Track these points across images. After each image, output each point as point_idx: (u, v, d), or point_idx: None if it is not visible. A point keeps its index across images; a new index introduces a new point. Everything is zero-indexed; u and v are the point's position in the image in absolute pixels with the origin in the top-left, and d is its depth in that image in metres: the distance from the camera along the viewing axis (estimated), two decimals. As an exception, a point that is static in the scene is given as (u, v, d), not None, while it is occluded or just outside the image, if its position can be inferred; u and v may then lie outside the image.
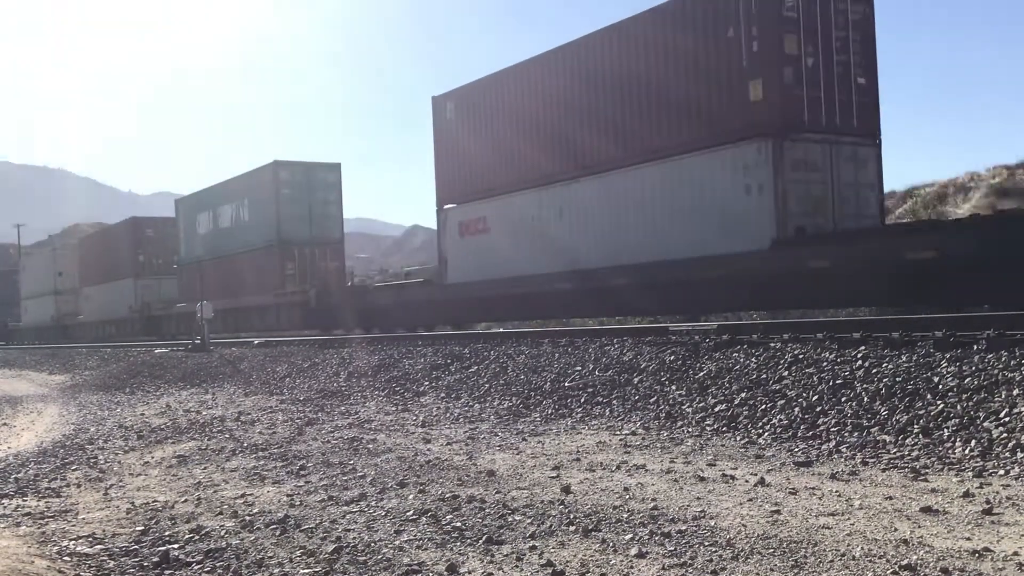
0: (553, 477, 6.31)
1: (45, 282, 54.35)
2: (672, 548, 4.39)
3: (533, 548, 4.54)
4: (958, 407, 6.69)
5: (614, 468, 6.51)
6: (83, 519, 5.93)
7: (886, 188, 18.98)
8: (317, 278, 30.25)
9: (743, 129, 15.25)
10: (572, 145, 18.94)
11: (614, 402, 9.41)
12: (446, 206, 22.94)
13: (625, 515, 5.07)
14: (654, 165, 16.96)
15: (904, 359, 7.87)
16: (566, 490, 5.76)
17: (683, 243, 16.14)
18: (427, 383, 12.48)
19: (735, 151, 15.44)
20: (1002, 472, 5.58)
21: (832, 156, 15.36)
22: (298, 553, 4.71)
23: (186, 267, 37.35)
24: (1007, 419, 6.28)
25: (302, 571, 4.42)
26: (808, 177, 15.14)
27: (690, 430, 7.99)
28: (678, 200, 16.49)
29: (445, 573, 4.25)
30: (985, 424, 6.33)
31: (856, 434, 6.89)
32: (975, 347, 7.69)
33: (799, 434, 7.21)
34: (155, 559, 4.76)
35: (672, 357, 10.09)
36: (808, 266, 13.96)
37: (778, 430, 7.41)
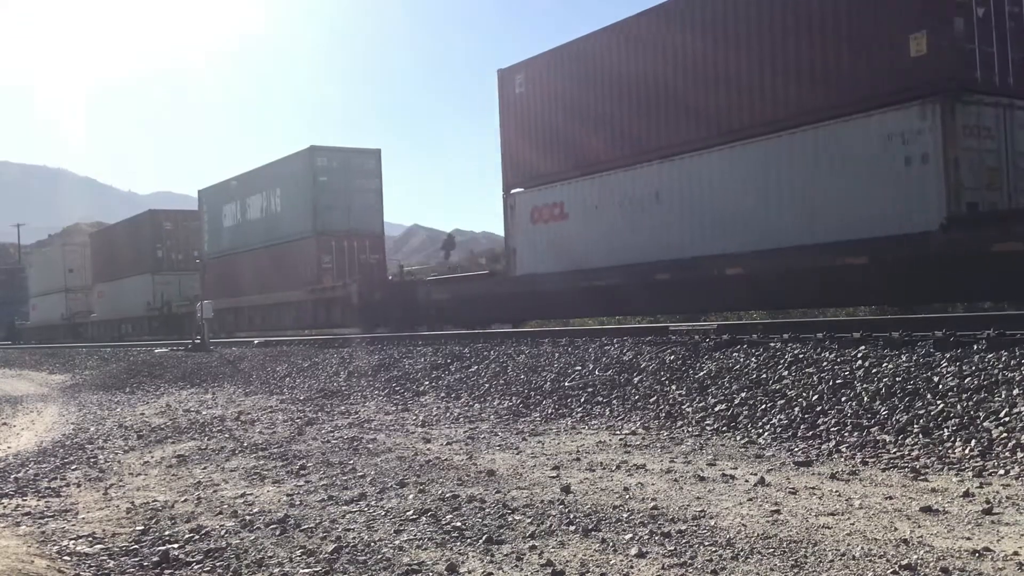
0: (553, 477, 6.31)
1: (54, 279, 52.10)
2: (672, 548, 4.39)
3: (533, 548, 4.54)
4: (958, 407, 6.69)
5: (614, 468, 6.51)
6: (83, 519, 5.93)
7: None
8: (359, 272, 27.97)
9: (899, 91, 13.24)
10: (687, 113, 16.43)
11: (614, 402, 9.41)
12: (514, 190, 20.66)
13: (625, 515, 5.07)
14: (791, 134, 14.73)
15: (904, 359, 7.87)
16: (566, 490, 5.76)
17: (826, 222, 14.07)
18: (427, 383, 12.48)
19: (890, 116, 13.34)
20: (1002, 472, 5.58)
21: (1007, 121, 13.40)
22: (298, 553, 4.71)
23: (211, 262, 35.51)
24: (1007, 419, 6.27)
25: (302, 571, 4.41)
26: (981, 145, 13.08)
27: (690, 430, 7.99)
28: (814, 175, 14.38)
29: (445, 573, 4.25)
30: (985, 424, 6.33)
31: (856, 434, 6.89)
32: (975, 347, 7.68)
33: (799, 434, 7.21)
34: (155, 559, 4.76)
35: (672, 357, 10.09)
36: (992, 250, 11.89)
37: (778, 430, 7.41)
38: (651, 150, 17.16)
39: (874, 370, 7.88)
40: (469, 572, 4.25)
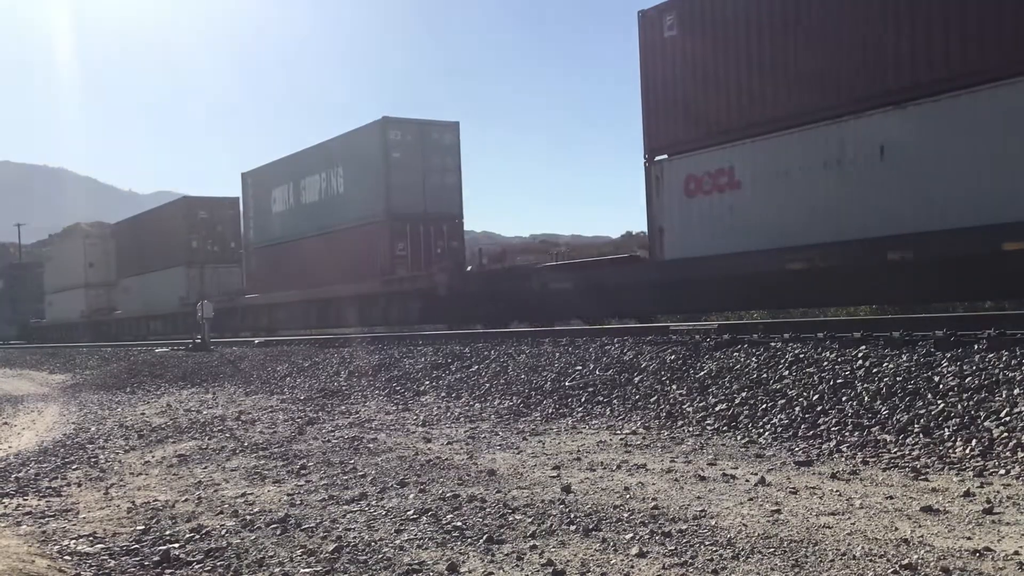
0: (554, 476, 6.31)
1: (73, 274, 48.32)
2: (672, 547, 4.39)
3: (534, 547, 4.54)
4: (959, 406, 6.69)
5: (615, 467, 6.51)
6: (84, 518, 5.93)
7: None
8: (447, 258, 24.48)
9: None
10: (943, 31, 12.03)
11: (615, 401, 9.41)
12: (658, 157, 16.47)
13: (626, 514, 5.07)
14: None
15: (905, 358, 7.87)
16: (566, 489, 5.76)
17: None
18: (428, 382, 12.48)
19: None
20: (1003, 471, 5.58)
21: None
22: (299, 552, 4.71)
23: (257, 252, 31.78)
24: (1008, 418, 6.27)
25: (303, 570, 4.42)
26: None
27: (691, 429, 7.99)
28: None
29: (445, 572, 4.25)
30: (986, 423, 6.33)
31: (857, 433, 6.89)
32: (976, 346, 7.68)
33: (800, 433, 7.21)
34: (156, 558, 4.76)
35: (673, 356, 10.09)
36: None
37: (779, 429, 7.41)
38: (835, 104, 13.38)
39: (875, 370, 7.87)
40: (470, 572, 4.25)
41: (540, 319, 19.13)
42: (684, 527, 4.72)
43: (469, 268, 23.06)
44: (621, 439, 7.81)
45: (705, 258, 15.23)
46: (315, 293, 27.54)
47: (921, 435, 6.51)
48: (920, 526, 4.52)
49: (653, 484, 5.86)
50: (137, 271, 41.27)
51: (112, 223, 47.44)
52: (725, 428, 7.81)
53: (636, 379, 9.82)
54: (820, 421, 7.32)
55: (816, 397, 7.77)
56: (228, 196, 37.22)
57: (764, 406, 7.98)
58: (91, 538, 5.32)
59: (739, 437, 7.46)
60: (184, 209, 37.12)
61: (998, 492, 5.12)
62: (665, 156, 16.42)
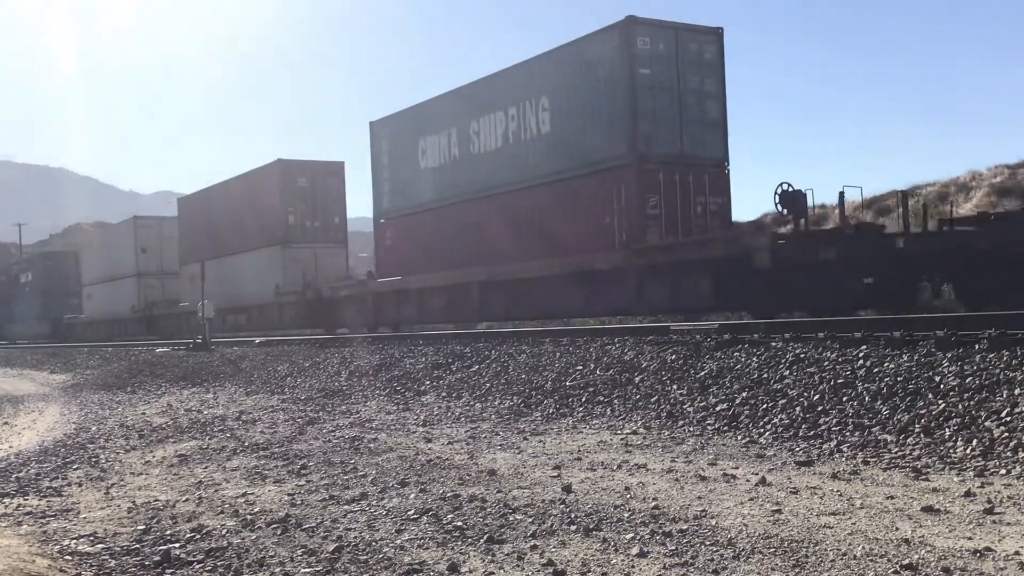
0: (554, 476, 6.31)
1: (122, 262, 40.74)
2: (673, 547, 4.39)
3: (534, 547, 4.54)
4: (959, 406, 6.69)
5: (615, 467, 6.51)
6: (84, 518, 5.93)
7: (885, 188, 16.86)
8: (722, 222, 17.61)
9: None
10: None
11: (615, 401, 9.41)
12: None
13: (626, 514, 5.07)
14: None
15: (905, 358, 7.86)
16: (567, 489, 5.76)
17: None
18: (428, 382, 12.48)
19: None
20: (1003, 471, 5.58)
21: None
22: (299, 552, 4.71)
23: (394, 223, 24.44)
24: (1008, 418, 6.27)
25: (303, 570, 4.42)
26: None
27: (691, 429, 7.98)
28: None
29: (446, 572, 4.25)
30: (986, 423, 6.33)
31: (857, 433, 6.89)
32: (976, 346, 7.68)
33: (800, 433, 7.21)
34: (156, 558, 4.76)
35: (673, 356, 10.09)
36: None
37: (779, 429, 7.41)
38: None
39: (875, 370, 7.87)
40: (470, 572, 4.25)
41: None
42: (685, 527, 4.72)
43: (789, 227, 15.89)
44: (622, 439, 7.80)
45: None
46: (501, 273, 19.77)
47: (922, 435, 6.51)
48: (921, 526, 4.52)
49: (654, 484, 5.86)
50: (210, 255, 32.53)
51: (203, 188, 36.41)
52: (726, 428, 7.81)
53: (637, 379, 9.82)
54: (821, 421, 7.32)
55: (817, 397, 7.77)
56: (329, 161, 30.12)
57: (765, 406, 7.98)
58: (92, 538, 5.32)
59: (740, 437, 7.46)
60: (279, 175, 29.02)
61: (999, 492, 5.12)
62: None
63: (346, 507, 5.73)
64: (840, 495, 5.26)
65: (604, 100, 17.53)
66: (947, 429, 6.47)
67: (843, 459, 6.33)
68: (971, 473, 5.62)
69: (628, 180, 17.13)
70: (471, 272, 20.44)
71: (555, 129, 18.79)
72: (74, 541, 5.24)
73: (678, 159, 17.29)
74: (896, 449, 6.39)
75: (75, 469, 8.14)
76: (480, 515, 5.26)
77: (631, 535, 4.66)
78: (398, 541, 4.81)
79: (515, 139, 19.89)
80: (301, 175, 29.26)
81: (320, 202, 29.36)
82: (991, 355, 7.35)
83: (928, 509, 4.81)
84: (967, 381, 7.01)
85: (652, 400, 9.10)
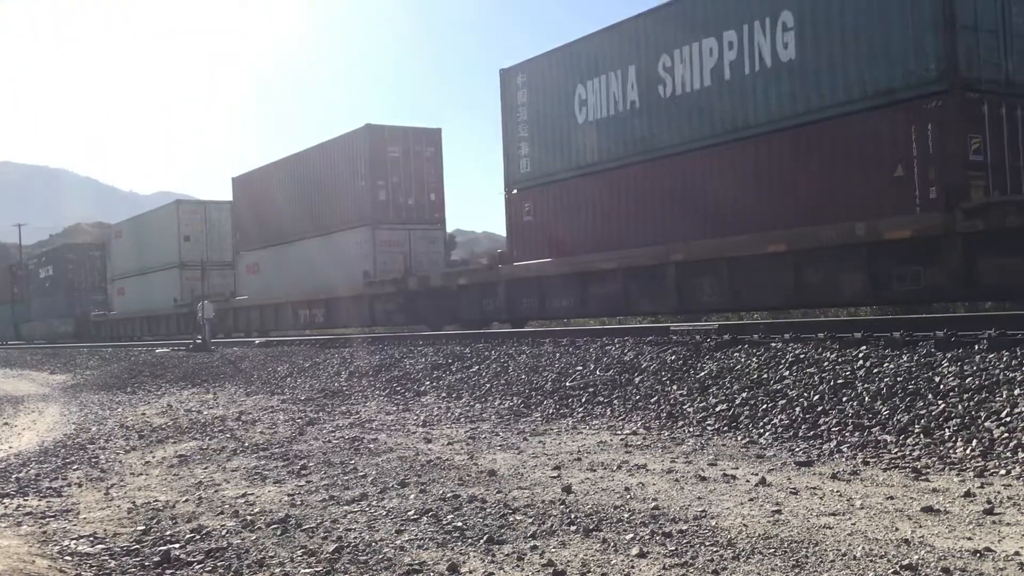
0: (554, 477, 6.32)
1: (162, 252, 36.59)
2: (673, 548, 4.39)
3: (534, 548, 4.55)
4: (959, 407, 6.69)
5: (615, 468, 6.51)
6: (84, 519, 5.93)
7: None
8: None
9: None
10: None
11: (615, 402, 9.41)
12: None
13: (626, 515, 5.07)
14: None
15: (905, 359, 7.87)
16: (567, 490, 5.76)
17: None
18: (428, 383, 12.48)
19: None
20: (1003, 472, 5.58)
21: None
22: (299, 553, 4.71)
23: (538, 191, 18.93)
24: (1008, 419, 6.27)
25: (303, 571, 4.42)
26: None
27: (691, 430, 7.98)
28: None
29: (446, 573, 4.25)
30: (986, 424, 6.33)
31: (857, 434, 6.89)
32: (976, 347, 7.68)
33: (800, 434, 7.21)
34: (156, 559, 4.76)
35: (673, 357, 10.09)
36: None
37: (779, 430, 7.41)
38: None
39: (875, 370, 7.87)
40: (470, 572, 4.25)
41: None
42: (685, 527, 4.72)
43: None
44: (621, 439, 7.81)
45: None
46: (710, 248, 14.85)
47: (922, 435, 6.51)
48: (921, 526, 4.52)
49: (654, 484, 5.86)
50: (274, 240, 28.92)
51: (251, 169, 32.26)
52: (726, 428, 7.81)
53: (636, 379, 9.82)
54: (821, 421, 7.32)
55: (817, 397, 7.77)
56: (424, 128, 25.72)
57: (765, 406, 7.98)
58: (92, 538, 5.32)
59: (740, 437, 7.46)
60: (368, 143, 24.64)
61: (999, 492, 5.12)
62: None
63: (346, 507, 5.73)
64: (840, 495, 5.26)
65: (894, 6, 12.67)
66: (947, 429, 6.47)
67: (843, 459, 6.33)
68: (971, 473, 5.62)
69: (940, 115, 12.23)
70: (662, 251, 15.61)
71: (804, 55, 13.85)
72: (74, 542, 5.24)
73: (1006, 87, 12.66)
74: (896, 449, 6.39)
75: (75, 470, 8.14)
76: (480, 516, 5.26)
77: (631, 535, 4.66)
78: (398, 541, 4.82)
79: (734, 73, 14.87)
80: (393, 143, 24.85)
81: (415, 176, 25.12)
82: (991, 355, 7.35)
83: (928, 509, 4.82)
84: (967, 381, 7.02)
85: (652, 401, 9.10)
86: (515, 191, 19.77)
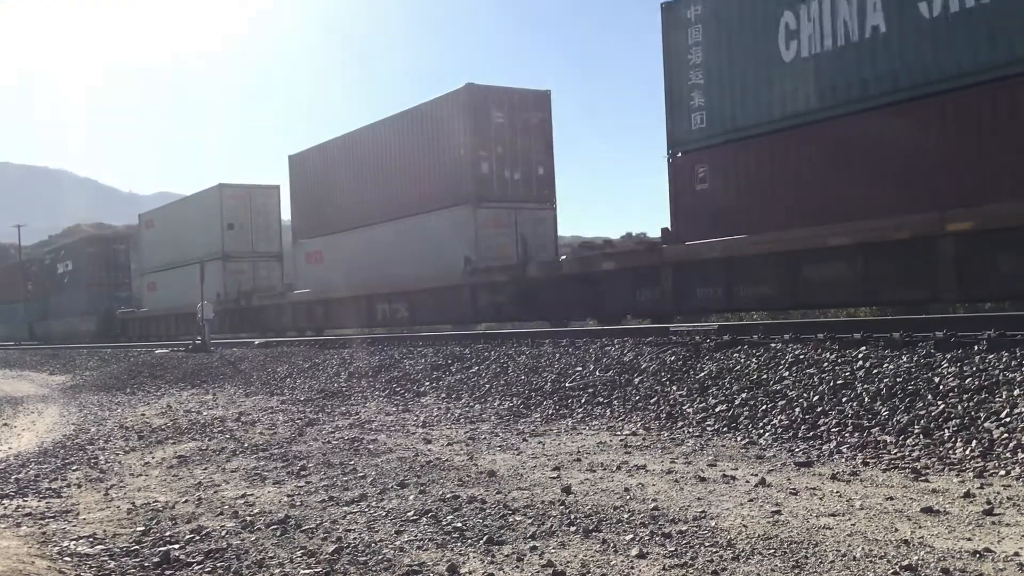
0: (554, 477, 6.31)
1: (205, 241, 32.26)
2: (673, 548, 4.39)
3: (534, 548, 4.54)
4: (959, 407, 6.69)
5: (615, 468, 6.51)
6: (84, 519, 5.93)
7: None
8: None
9: None
10: None
11: (615, 402, 9.41)
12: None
13: (626, 515, 5.07)
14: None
15: (905, 359, 7.87)
16: (567, 490, 5.76)
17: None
18: (428, 383, 12.48)
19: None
20: (1003, 472, 5.58)
21: None
22: (299, 553, 4.71)
23: (718, 151, 14.75)
24: (1008, 419, 6.27)
25: (303, 571, 4.42)
26: None
27: (691, 430, 7.98)
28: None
29: (446, 573, 4.25)
30: (986, 424, 6.33)
31: (857, 434, 6.89)
32: (976, 347, 7.68)
33: (800, 434, 7.21)
34: (156, 559, 4.76)
35: (673, 357, 10.09)
36: None
37: (779, 430, 7.41)
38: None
39: (875, 371, 7.87)
40: (470, 573, 4.25)
41: None
42: (684, 528, 4.72)
43: None
44: (621, 440, 7.80)
45: None
46: (1010, 214, 10.84)
47: (921, 436, 6.51)
48: (920, 527, 4.52)
49: (653, 485, 5.86)
50: (343, 226, 25.18)
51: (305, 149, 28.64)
52: (725, 429, 7.81)
53: (636, 380, 9.82)
54: (820, 422, 7.32)
55: (816, 398, 7.77)
56: (531, 89, 22.12)
57: (764, 407, 7.98)
58: (91, 539, 5.32)
59: (739, 438, 7.46)
60: (469, 108, 21.05)
61: (998, 493, 5.12)
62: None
63: (345, 508, 5.73)
64: (840, 496, 5.26)
65: None
66: (946, 430, 6.47)
67: (842, 460, 6.33)
68: (970, 474, 5.62)
69: None
70: (932, 219, 11.57)
71: None
72: (73, 542, 5.23)
73: None
74: (895, 450, 6.39)
75: (74, 470, 8.13)
76: (479, 516, 5.26)
77: (630, 536, 4.66)
78: (398, 542, 4.81)
79: None
80: (498, 108, 21.14)
81: (522, 146, 21.27)
82: (990, 356, 7.36)
83: (927, 510, 4.82)
84: (966, 382, 7.02)
85: (651, 401, 9.10)
86: (681, 153, 15.45)
